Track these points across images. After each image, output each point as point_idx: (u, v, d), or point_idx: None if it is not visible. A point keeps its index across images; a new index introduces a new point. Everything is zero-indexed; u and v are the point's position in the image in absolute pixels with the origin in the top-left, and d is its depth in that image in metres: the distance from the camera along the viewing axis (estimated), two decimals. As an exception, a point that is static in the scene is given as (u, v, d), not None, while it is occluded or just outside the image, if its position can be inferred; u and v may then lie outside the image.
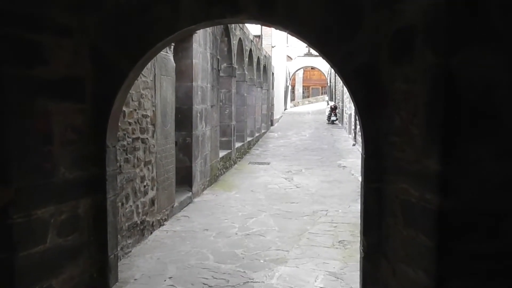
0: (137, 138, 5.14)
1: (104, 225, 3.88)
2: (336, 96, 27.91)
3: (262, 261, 4.82)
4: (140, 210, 5.25)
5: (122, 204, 4.77)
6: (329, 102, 29.78)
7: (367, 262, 3.65)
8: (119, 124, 4.61)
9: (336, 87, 27.84)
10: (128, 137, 4.87)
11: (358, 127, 15.57)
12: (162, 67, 5.92)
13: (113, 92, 3.74)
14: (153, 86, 5.63)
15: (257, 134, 17.20)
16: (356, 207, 7.30)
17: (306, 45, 3.84)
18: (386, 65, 3.40)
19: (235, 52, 11.95)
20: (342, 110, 23.12)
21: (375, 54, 3.46)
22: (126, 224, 4.86)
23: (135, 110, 5.07)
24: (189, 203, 7.43)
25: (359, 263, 3.90)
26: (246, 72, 14.24)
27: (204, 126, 8.40)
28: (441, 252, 2.78)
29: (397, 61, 3.25)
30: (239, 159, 12.79)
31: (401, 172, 3.23)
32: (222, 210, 7.09)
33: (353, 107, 16.92)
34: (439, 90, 2.65)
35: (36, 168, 3.34)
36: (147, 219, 5.50)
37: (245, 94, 14.26)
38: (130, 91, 4.87)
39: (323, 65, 38.82)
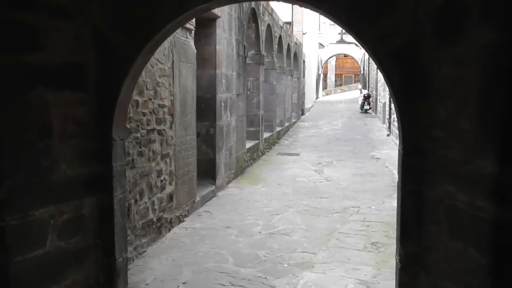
0: (153, 130, 4.79)
1: (111, 226, 3.54)
2: (370, 84, 27.03)
3: (286, 265, 4.40)
4: (156, 207, 4.92)
5: (136, 201, 4.44)
6: (362, 90, 28.93)
7: (404, 275, 3.18)
8: (131, 115, 4.27)
9: (370, 75, 26.94)
10: (142, 128, 4.52)
11: (393, 116, 14.87)
12: (181, 53, 5.54)
13: (119, 80, 3.37)
14: (171, 73, 5.26)
15: (287, 124, 16.72)
16: (391, 204, 6.79)
17: (339, 26, 3.35)
18: (429, 46, 2.89)
19: (263, 38, 11.47)
20: (376, 98, 22.31)
21: (415, 34, 2.95)
22: (140, 223, 4.54)
23: (150, 99, 4.71)
24: (212, 197, 7.08)
25: (394, 273, 3.44)
26: (276, 60, 13.75)
27: (229, 116, 8.00)
28: (497, 272, 2.30)
29: (443, 41, 2.73)
30: (267, 150, 12.37)
31: (447, 173, 2.73)
32: (246, 206, 6.71)
33: (387, 96, 16.19)
34: (499, 75, 2.15)
35: (33, 165, 3.01)
36: (165, 216, 5.17)
37: (274, 83, 13.79)
38: (144, 79, 4.52)
39: (356, 52, 37.82)
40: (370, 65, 26.70)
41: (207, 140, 7.26)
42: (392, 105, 14.87)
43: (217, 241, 5.07)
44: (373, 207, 6.68)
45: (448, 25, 2.64)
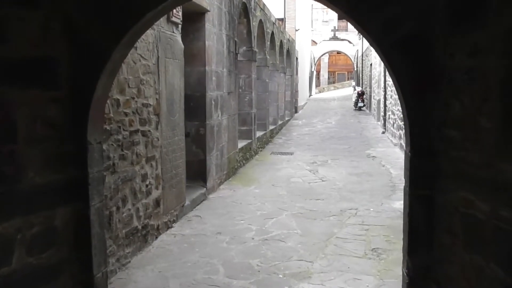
0: (136, 131, 4.44)
1: (87, 239, 3.20)
2: (364, 81, 26.77)
3: (281, 275, 4.08)
4: (141, 214, 4.57)
5: (118, 208, 4.09)
6: (356, 87, 28.64)
7: (412, 290, 2.87)
8: (112, 115, 3.93)
9: (364, 71, 26.68)
10: (124, 130, 4.17)
11: (388, 113, 14.59)
12: (167, 48, 5.19)
13: (94, 76, 3.03)
14: (156, 70, 4.91)
15: (280, 122, 16.40)
16: (390, 206, 6.50)
17: (338, 14, 2.99)
18: (440, 34, 2.58)
19: (255, 34, 11.13)
20: (370, 95, 22.06)
21: (425, 20, 2.64)
22: (124, 231, 4.19)
23: (133, 98, 4.37)
24: (203, 200, 6.74)
25: (399, 284, 3.14)
26: (268, 57, 13.41)
27: (220, 115, 7.66)
28: (526, 293, 1.99)
29: (457, 28, 2.42)
30: (260, 149, 12.04)
31: (463, 178, 2.42)
32: (238, 209, 6.38)
33: (382, 93, 15.91)
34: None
35: (-7, 173, 2.68)
36: (151, 222, 4.82)
37: (267, 80, 13.45)
38: (125, 76, 4.18)
39: (349, 49, 37.59)
40: (363, 62, 26.44)
41: (197, 141, 6.91)
42: (387, 102, 14.61)
43: (207, 249, 4.74)
44: (371, 209, 6.37)
45: (464, 10, 2.32)
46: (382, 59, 2.93)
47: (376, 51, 2.98)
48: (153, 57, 4.84)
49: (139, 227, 4.53)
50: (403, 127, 11.25)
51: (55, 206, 3.02)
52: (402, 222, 2.79)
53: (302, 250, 4.71)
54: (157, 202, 4.98)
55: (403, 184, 3.00)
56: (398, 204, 6.61)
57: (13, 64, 2.74)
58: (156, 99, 4.92)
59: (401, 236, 3.02)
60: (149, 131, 4.74)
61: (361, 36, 26.79)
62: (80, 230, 3.17)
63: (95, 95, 3.06)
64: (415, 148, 2.78)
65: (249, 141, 10.67)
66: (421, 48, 2.65)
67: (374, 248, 4.74)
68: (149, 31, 4.71)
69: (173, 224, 5.46)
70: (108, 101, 3.86)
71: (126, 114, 4.21)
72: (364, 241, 5.02)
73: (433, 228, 2.75)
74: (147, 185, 4.71)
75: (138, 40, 4.44)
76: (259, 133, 12.08)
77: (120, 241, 4.12)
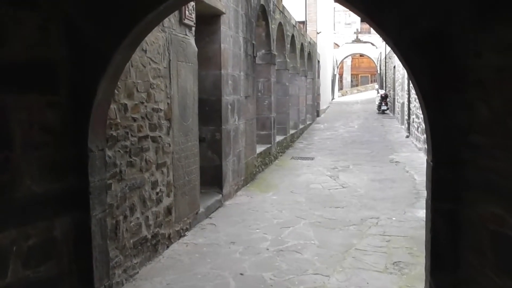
0: (146, 137, 4.29)
1: (88, 250, 3.05)
2: (387, 84, 26.26)
3: (295, 290, 3.86)
4: (151, 222, 4.41)
5: (125, 217, 3.94)
6: (379, 90, 28.15)
7: (436, 312, 2.61)
8: (119, 121, 3.78)
9: (387, 74, 26.18)
10: (132, 135, 4.02)
11: (412, 117, 14.17)
12: (179, 51, 5.04)
13: (94, 80, 2.88)
14: (167, 74, 4.76)
15: (301, 126, 16.14)
16: (413, 214, 6.19)
17: (354, 13, 2.77)
18: (465, 30, 2.33)
19: (274, 37, 10.93)
20: (394, 98, 21.57)
21: (446, 16, 2.39)
22: (131, 241, 4.03)
23: (142, 103, 4.22)
24: (219, 207, 6.56)
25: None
26: (288, 60, 13.18)
27: (236, 120, 7.48)
28: None
29: (486, 22, 2.17)
30: (280, 154, 11.81)
31: (492, 190, 2.17)
32: (254, 217, 6.17)
33: (405, 96, 15.49)
34: None
35: (-14, 182, 2.55)
36: (162, 231, 4.66)
37: (287, 84, 13.22)
38: (134, 80, 4.03)
39: (372, 51, 37.07)
40: (387, 64, 25.95)
41: (213, 146, 6.74)
42: (411, 105, 14.19)
43: (219, 260, 4.54)
44: (393, 218, 6.08)
45: (493, 3, 2.07)
46: (400, 60, 2.69)
47: (393, 50, 2.74)
48: (164, 60, 4.69)
49: (149, 236, 4.37)
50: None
51: (53, 216, 2.88)
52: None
53: (318, 263, 4.46)
54: (168, 210, 4.82)
55: None
56: (422, 213, 6.26)
57: (9, 67, 2.61)
58: (168, 103, 4.77)
59: (424, 248, 2.78)
60: (159, 136, 4.58)
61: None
62: (81, 241, 3.03)
63: (96, 100, 2.92)
64: (437, 157, 2.53)
65: (268, 145, 10.46)
66: (441, 46, 2.41)
67: (395, 262, 4.47)
68: (159, 34, 4.57)
69: (185, 233, 5.29)
70: (114, 106, 3.73)
71: (134, 119, 4.06)
72: (385, 253, 4.75)
73: (458, 245, 2.49)
74: (157, 193, 4.55)
75: (148, 43, 4.32)
76: (279, 138, 11.87)
77: (127, 251, 3.96)
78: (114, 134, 3.72)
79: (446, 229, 2.54)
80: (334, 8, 35.14)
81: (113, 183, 3.71)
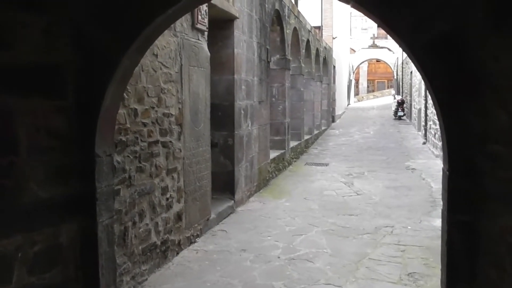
0: (156, 142, 4.24)
1: (95, 257, 2.99)
2: (404, 89, 25.97)
3: (306, 301, 3.76)
4: (160, 228, 4.36)
5: (134, 223, 3.89)
6: (396, 96, 27.85)
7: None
8: (128, 126, 3.74)
9: (404, 80, 25.90)
10: (142, 141, 3.98)
11: (429, 123, 13.94)
12: (191, 56, 5.00)
13: (102, 85, 2.83)
14: (179, 79, 4.72)
15: (316, 132, 16.01)
16: (429, 223, 6.04)
17: (363, 13, 2.69)
18: (482, 33, 2.23)
19: (289, 42, 10.86)
20: (410, 104, 21.31)
21: (463, 19, 2.29)
22: (140, 248, 3.98)
23: (153, 107, 4.18)
24: (230, 213, 6.49)
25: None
26: (303, 65, 13.10)
27: (249, 125, 7.42)
28: None
29: (505, 25, 2.07)
30: (294, 159, 11.71)
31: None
32: (266, 224, 6.08)
33: (423, 101, 15.26)
34: None
35: (-10, 187, 2.52)
36: (172, 238, 4.61)
37: (301, 89, 13.13)
38: (144, 85, 4.00)
39: (389, 57, 36.76)
40: (403, 69, 25.67)
41: (225, 151, 6.69)
42: (428, 111, 13.97)
43: (229, 268, 4.47)
44: (409, 227, 5.93)
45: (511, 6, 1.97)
46: (415, 64, 2.59)
47: (408, 55, 2.64)
48: (176, 65, 4.65)
49: (158, 242, 4.31)
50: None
51: (59, 222, 2.84)
52: None
53: (330, 273, 4.36)
54: (178, 216, 4.76)
55: None
56: (439, 222, 6.05)
57: (16, 71, 2.58)
58: (179, 108, 4.72)
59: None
60: (170, 142, 4.54)
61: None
62: (87, 248, 2.97)
63: (103, 104, 2.87)
64: (453, 166, 2.42)
65: (282, 151, 10.37)
66: (457, 50, 2.30)
67: (410, 273, 4.33)
68: (171, 38, 4.53)
69: (196, 239, 5.23)
70: (124, 111, 3.69)
71: (144, 125, 4.03)
72: (400, 264, 4.62)
73: (475, 258, 2.38)
74: (167, 199, 4.50)
75: (159, 48, 4.28)
76: (293, 143, 11.77)
77: (135, 258, 3.91)
78: (124, 139, 3.68)
79: (462, 241, 2.42)
80: (351, 13, 34.94)
81: (122, 189, 3.67)
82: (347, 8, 27.24)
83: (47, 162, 2.74)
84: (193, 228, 5.14)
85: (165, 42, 4.40)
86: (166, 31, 4.41)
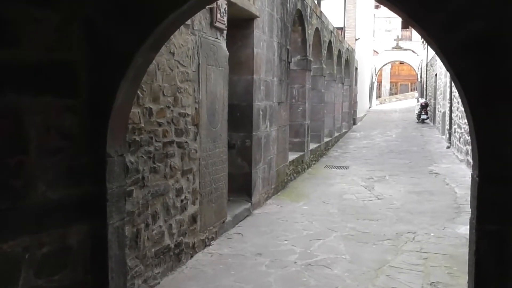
0: (171, 142, 4.16)
1: (104, 260, 2.91)
2: (428, 92, 25.47)
3: (322, 310, 3.61)
4: (174, 231, 4.27)
5: (147, 225, 3.81)
6: (419, 99, 27.37)
7: None
8: (142, 125, 3.67)
9: (428, 82, 25.40)
10: (156, 141, 3.89)
11: (453, 127, 13.57)
12: (209, 55, 4.91)
13: (114, 83, 2.75)
14: (196, 78, 4.63)
15: (336, 134, 15.78)
16: (453, 231, 5.82)
17: (392, 11, 2.54)
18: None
19: (311, 43, 10.71)
20: (434, 107, 20.86)
21: (501, 17, 2.12)
22: (153, 250, 3.90)
23: (169, 107, 4.09)
24: (247, 216, 6.37)
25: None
26: (324, 66, 12.91)
27: (268, 126, 7.30)
28: None
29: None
30: (313, 162, 11.53)
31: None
32: (283, 227, 5.95)
33: (447, 104, 14.89)
34: None
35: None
36: (186, 240, 4.51)
37: (322, 90, 12.94)
38: (160, 84, 3.92)
39: (413, 59, 36.18)
40: (428, 72, 25.18)
41: (243, 153, 6.58)
42: (453, 114, 13.60)
43: (244, 273, 4.35)
44: (431, 234, 5.72)
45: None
46: (444, 64, 2.43)
47: (437, 54, 2.49)
48: (193, 64, 4.56)
49: (172, 245, 4.22)
50: (470, 142, 10.36)
51: (69, 223, 2.77)
52: (467, 251, 2.30)
53: (349, 280, 4.20)
54: (193, 218, 4.67)
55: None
56: (464, 229, 5.91)
57: (26, 68, 2.52)
58: (195, 108, 4.63)
59: (465, 268, 2.49)
60: (186, 142, 4.45)
61: (426, 45, 25.58)
62: (97, 250, 2.89)
63: (115, 103, 2.79)
64: (484, 172, 2.25)
65: (301, 153, 10.22)
66: (493, 49, 2.14)
67: (433, 282, 4.14)
68: (188, 37, 4.45)
69: (211, 242, 5.13)
70: (138, 110, 3.62)
71: (159, 124, 3.94)
72: (422, 272, 4.43)
73: (506, 271, 2.21)
74: (182, 200, 4.41)
75: (176, 46, 4.20)
76: (312, 146, 11.59)
77: (148, 261, 3.82)
78: (137, 139, 3.60)
79: (492, 252, 2.26)
80: (374, 14, 34.52)
81: (135, 190, 3.59)
82: (371, 9, 26.94)
83: (57, 162, 2.67)
84: (208, 231, 5.04)
85: (183, 40, 4.31)
86: (183, 29, 4.33)
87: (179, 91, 4.28)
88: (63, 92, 2.69)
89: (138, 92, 3.59)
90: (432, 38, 2.35)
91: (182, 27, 4.29)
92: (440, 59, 2.49)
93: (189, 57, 4.47)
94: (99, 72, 2.75)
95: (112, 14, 2.70)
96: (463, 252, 4.95)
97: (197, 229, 4.76)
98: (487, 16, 2.13)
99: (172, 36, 4.09)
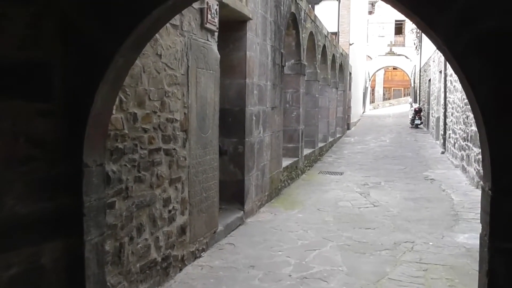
0: (158, 149, 3.92)
1: (81, 281, 2.66)
2: (421, 97, 25.39)
3: (319, 329, 3.38)
4: (161, 243, 4.02)
5: (132, 238, 3.56)
6: (413, 104, 27.28)
7: None
8: (126, 131, 3.43)
9: (421, 87, 25.33)
10: (142, 148, 3.65)
11: (448, 132, 13.42)
12: (199, 58, 4.68)
13: (91, 86, 2.51)
14: (185, 81, 4.40)
15: (331, 139, 15.59)
16: (452, 239, 5.62)
17: (399, 11, 2.31)
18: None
19: (305, 47, 10.52)
20: (428, 113, 20.74)
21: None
22: (138, 265, 3.65)
23: (155, 112, 3.86)
24: (239, 225, 6.13)
25: None
26: (319, 71, 12.72)
27: (261, 132, 7.07)
28: None
29: None
30: (308, 167, 11.32)
31: None
32: (277, 237, 5.71)
33: (441, 110, 14.75)
34: None
35: (-39, 201, 2.20)
36: (174, 253, 4.27)
37: (316, 95, 12.74)
38: (146, 87, 3.68)
39: (406, 64, 36.17)
40: (421, 77, 25.11)
41: (235, 159, 6.34)
42: (448, 120, 13.45)
43: (236, 287, 4.10)
44: (430, 243, 5.51)
45: None
46: (453, 66, 2.22)
47: (444, 55, 2.27)
48: (182, 66, 4.33)
49: (159, 259, 3.97)
50: (466, 148, 10.17)
51: (41, 241, 2.51)
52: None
53: (346, 295, 3.98)
54: (182, 230, 4.42)
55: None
56: (463, 237, 5.73)
57: (-9, 69, 2.29)
58: (184, 113, 4.40)
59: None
60: (174, 149, 4.21)
61: (419, 50, 25.50)
62: (73, 270, 2.64)
63: (93, 108, 2.55)
64: (499, 185, 2.04)
65: (296, 159, 10.00)
66: (507, 48, 1.93)
67: (435, 297, 3.93)
68: (177, 38, 4.22)
69: (201, 254, 4.88)
70: (122, 115, 3.38)
71: (145, 130, 3.70)
72: (423, 285, 4.21)
73: (525, 296, 1.99)
74: (170, 211, 4.16)
75: (164, 47, 3.97)
76: (306, 151, 11.38)
77: (133, 277, 3.57)
78: (121, 146, 3.36)
79: (508, 273, 2.04)
80: (368, 20, 34.50)
81: (118, 201, 3.34)
82: (364, 14, 26.84)
83: (27, 173, 2.42)
84: (198, 242, 4.80)
85: (170, 41, 4.08)
86: (171, 30, 4.11)
87: (166, 95, 4.04)
88: (35, 95, 2.44)
89: (121, 96, 3.36)
90: (440, 36, 2.13)
91: (170, 27, 4.07)
92: (447, 59, 2.28)
93: (178, 60, 4.24)
94: (75, 74, 2.51)
95: (89, 10, 2.46)
96: (464, 263, 4.76)
97: (186, 241, 4.51)
98: (504, 13, 1.92)
99: (158, 37, 3.87)
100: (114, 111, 3.26)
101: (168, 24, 4.02)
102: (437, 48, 2.35)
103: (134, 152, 3.54)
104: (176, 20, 4.17)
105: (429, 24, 2.16)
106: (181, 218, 4.40)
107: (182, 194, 4.40)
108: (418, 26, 2.36)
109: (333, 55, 15.75)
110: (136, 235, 3.61)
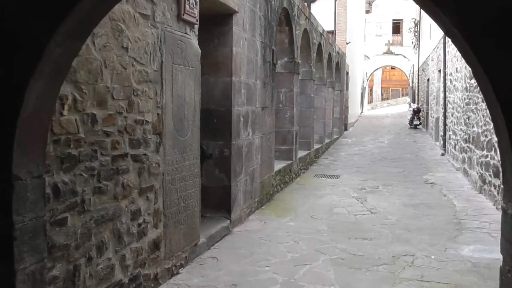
0: (124, 155, 3.44)
1: (12, 318, 2.19)
2: (420, 97, 24.95)
3: None
4: (129, 262, 3.55)
5: (90, 259, 3.08)
6: (411, 104, 26.87)
7: None
8: (82, 136, 2.94)
9: (420, 87, 24.89)
10: (103, 154, 3.18)
11: (448, 133, 12.97)
12: (176, 52, 4.21)
13: (22, 80, 2.05)
14: (158, 78, 3.93)
15: (327, 141, 15.13)
16: (456, 252, 5.16)
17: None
18: None
19: (299, 44, 10.04)
20: (427, 113, 20.30)
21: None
22: (97, 289, 3.17)
23: (120, 113, 3.38)
24: (225, 235, 5.65)
25: None
26: (314, 70, 12.25)
27: (250, 134, 6.60)
28: None
29: None
30: (303, 170, 10.85)
31: None
32: (266, 249, 5.24)
33: (441, 110, 14.30)
34: None
35: None
36: (145, 271, 3.79)
37: (312, 95, 12.26)
38: (108, 85, 3.20)
39: (404, 64, 35.77)
40: (420, 77, 24.68)
41: (221, 164, 5.87)
42: (448, 120, 12.99)
43: (213, 311, 3.64)
44: (432, 257, 5.04)
45: None
46: (463, 52, 1.76)
47: (454, 40, 1.80)
48: (155, 62, 3.86)
49: (125, 280, 3.50)
50: (467, 150, 9.71)
51: (-41, 271, 2.05)
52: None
53: (338, 321, 3.51)
54: (155, 245, 3.94)
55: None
56: (467, 250, 5.26)
57: None
58: (158, 114, 3.92)
59: None
60: (145, 154, 3.73)
61: (417, 49, 25.07)
62: (2, 305, 2.19)
63: (25, 108, 2.08)
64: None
65: (289, 162, 9.53)
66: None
67: (439, 324, 3.46)
68: (148, 29, 3.75)
69: (179, 270, 4.41)
70: (76, 117, 2.90)
71: (107, 134, 3.23)
72: (425, 308, 3.75)
73: None
74: (139, 224, 3.69)
75: (131, 40, 3.50)
76: (301, 153, 10.91)
77: (91, 303, 3.10)
78: (74, 153, 2.88)
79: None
80: (365, 19, 34.06)
81: (70, 217, 2.86)
82: (362, 13, 26.40)
83: None
84: (175, 258, 4.32)
85: (140, 33, 3.61)
86: (141, 20, 3.64)
87: (135, 93, 3.57)
88: None
89: (76, 94, 2.89)
90: (450, 19, 1.67)
91: (139, 17, 3.60)
92: (456, 45, 1.82)
93: (149, 54, 3.77)
94: (5, 65, 2.04)
95: (16, -11, 1.99)
96: (471, 282, 4.29)
97: (160, 257, 4.03)
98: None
99: (124, 27, 3.40)
100: (65, 112, 2.80)
101: (136, 14, 3.55)
102: (445, 33, 1.89)
103: (93, 159, 3.07)
104: (146, 9, 3.70)
105: (436, 2, 1.69)
106: (154, 232, 3.92)
107: (155, 205, 3.92)
108: (423, 7, 1.90)
109: (329, 54, 15.29)
110: (96, 254, 3.14)
